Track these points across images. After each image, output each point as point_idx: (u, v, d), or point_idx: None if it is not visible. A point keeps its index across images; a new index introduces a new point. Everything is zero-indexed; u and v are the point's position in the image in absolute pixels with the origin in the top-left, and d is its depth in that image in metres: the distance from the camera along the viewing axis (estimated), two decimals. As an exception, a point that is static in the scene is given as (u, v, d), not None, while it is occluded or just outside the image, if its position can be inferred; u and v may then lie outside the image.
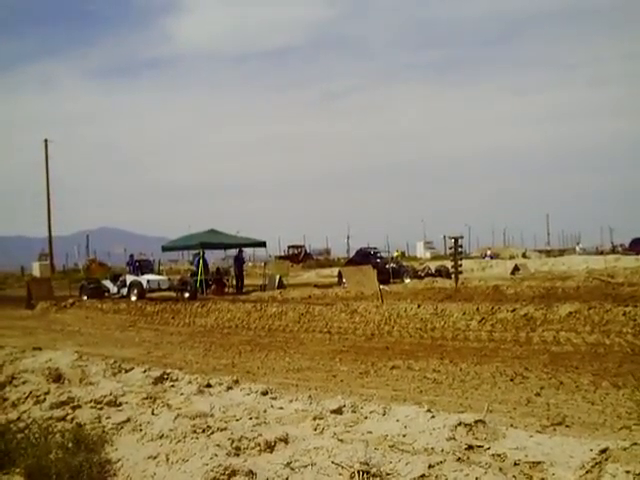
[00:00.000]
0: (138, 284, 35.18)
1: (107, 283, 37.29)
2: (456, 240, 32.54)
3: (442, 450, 4.93)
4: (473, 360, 14.26)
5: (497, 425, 5.55)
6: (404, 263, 48.29)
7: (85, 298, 35.37)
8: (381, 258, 47.12)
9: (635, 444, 4.45)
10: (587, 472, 4.26)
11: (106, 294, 36.20)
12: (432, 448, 4.99)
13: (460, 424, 5.35)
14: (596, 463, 4.31)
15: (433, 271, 43.80)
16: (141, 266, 37.26)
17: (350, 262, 48.62)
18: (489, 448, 4.93)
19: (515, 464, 4.60)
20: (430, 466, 4.52)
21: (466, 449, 4.91)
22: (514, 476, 4.37)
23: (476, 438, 5.19)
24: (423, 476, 4.44)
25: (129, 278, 36.12)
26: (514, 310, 18.89)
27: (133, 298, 34.05)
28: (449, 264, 34.47)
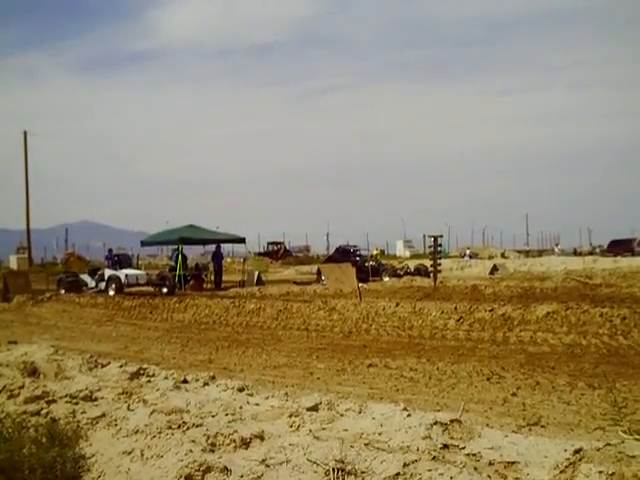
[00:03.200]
0: (116, 279, 34.98)
1: (85, 277, 37.08)
2: (435, 239, 32.59)
3: (417, 449, 4.93)
4: (450, 359, 14.30)
5: (473, 425, 5.56)
6: (383, 261, 48.13)
7: (63, 292, 35.19)
8: (360, 256, 47.50)
9: (608, 444, 4.46)
10: (561, 472, 4.27)
11: (84, 288, 36.07)
12: (408, 447, 4.99)
13: (436, 423, 5.36)
14: (570, 463, 4.32)
15: (412, 270, 43.94)
16: (120, 260, 36.91)
17: (329, 259, 48.87)
18: (464, 447, 4.94)
19: (490, 464, 4.61)
20: (405, 465, 4.52)
21: (441, 448, 4.91)
22: (489, 476, 4.37)
23: (452, 437, 5.20)
24: (398, 474, 4.44)
25: (107, 272, 35.86)
26: (492, 310, 18.97)
27: (111, 293, 33.90)
28: (428, 263, 34.50)
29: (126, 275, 35.27)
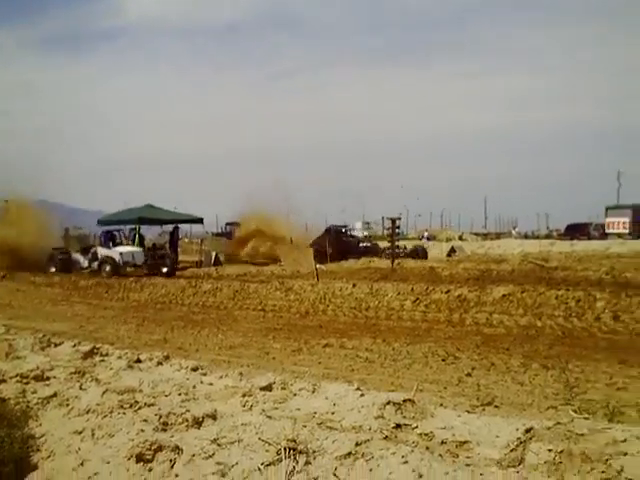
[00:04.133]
0: (110, 259, 32.61)
1: (78, 256, 34.95)
2: (393, 221, 32.71)
3: (370, 428, 4.92)
4: (406, 340, 14.37)
5: (426, 404, 5.55)
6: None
7: (53, 270, 33.71)
8: (352, 237, 46.25)
9: (558, 423, 4.48)
10: (512, 451, 4.28)
11: (78, 267, 34.22)
12: (360, 426, 4.97)
13: (389, 403, 5.34)
14: (520, 442, 4.33)
15: (409, 251, 42.42)
16: (113, 237, 34.57)
17: (319, 240, 46.12)
18: (417, 427, 4.93)
19: (442, 443, 4.61)
20: (357, 444, 4.50)
21: (394, 428, 4.90)
22: (440, 455, 4.37)
23: (404, 417, 5.19)
24: (350, 454, 4.42)
25: (101, 251, 33.62)
26: (448, 291, 19.07)
27: (105, 275, 31.67)
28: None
29: (120, 254, 32.85)
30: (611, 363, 11.77)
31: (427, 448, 4.50)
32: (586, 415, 5.55)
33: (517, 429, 4.59)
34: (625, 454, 3.90)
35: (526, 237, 73.11)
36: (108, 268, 32.25)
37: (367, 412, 5.25)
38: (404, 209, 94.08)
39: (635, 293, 17.08)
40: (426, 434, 4.78)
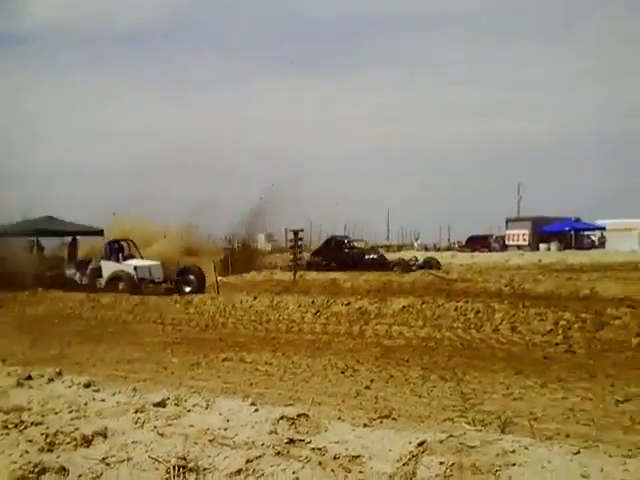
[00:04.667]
0: (126, 275, 27.18)
1: (70, 272, 29.80)
2: (296, 233, 32.78)
3: (263, 444, 4.85)
4: (306, 353, 14.37)
5: (320, 419, 5.51)
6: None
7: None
8: (354, 247, 42.91)
9: (451, 436, 4.49)
10: (404, 464, 4.27)
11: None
12: (253, 442, 4.90)
13: (283, 418, 5.29)
14: (413, 456, 4.32)
15: (421, 263, 39.33)
16: (121, 248, 29.58)
17: (319, 252, 42.81)
18: (310, 442, 4.88)
19: (335, 458, 4.57)
20: (248, 460, 4.44)
21: (287, 443, 4.84)
22: (332, 470, 4.33)
23: (298, 432, 5.14)
24: (240, 471, 4.35)
25: (107, 266, 28.17)
26: (349, 303, 19.14)
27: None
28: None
29: (135, 268, 27.57)
30: (508, 374, 11.95)
31: (319, 463, 4.45)
32: (480, 427, 5.59)
33: (410, 442, 4.58)
34: (514, 464, 3.93)
35: (426, 249, 74.07)
36: (122, 286, 26.70)
37: (260, 427, 5.18)
38: (308, 221, 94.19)
39: (532, 304, 17.42)
40: (319, 449, 4.73)
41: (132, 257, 29.19)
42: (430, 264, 38.75)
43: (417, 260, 40.05)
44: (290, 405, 7.55)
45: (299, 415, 5.38)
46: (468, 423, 5.60)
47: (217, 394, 8.51)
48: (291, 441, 4.91)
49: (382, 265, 37.92)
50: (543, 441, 4.78)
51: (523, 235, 65.73)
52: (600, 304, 17.47)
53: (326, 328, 17.77)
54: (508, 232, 67.23)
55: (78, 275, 29.23)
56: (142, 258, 29.71)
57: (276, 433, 5.07)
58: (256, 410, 5.71)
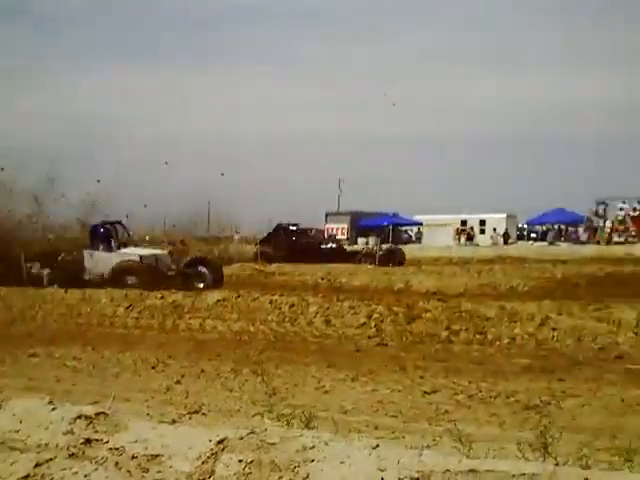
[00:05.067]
0: (139, 266, 22.64)
1: (36, 268, 23.90)
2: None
3: (57, 445, 4.64)
4: (116, 347, 14.07)
5: (120, 417, 5.34)
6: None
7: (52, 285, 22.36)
8: (309, 236, 40.07)
9: (252, 432, 4.42)
10: (203, 463, 4.18)
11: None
12: (46, 444, 4.68)
13: (80, 416, 5.08)
14: (212, 454, 4.24)
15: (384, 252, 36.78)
16: (112, 233, 24.59)
17: (266, 241, 39.80)
18: (108, 441, 4.71)
19: (133, 457, 4.42)
20: (37, 464, 4.23)
21: (82, 443, 4.65)
22: (129, 470, 4.19)
23: (96, 431, 4.94)
24: (27, 476, 4.14)
25: (100, 256, 23.56)
26: (162, 297, 18.88)
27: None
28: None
29: (141, 257, 23.40)
30: (320, 367, 12.06)
31: (116, 464, 4.30)
32: (285, 422, 5.57)
33: (210, 440, 4.49)
34: (312, 460, 3.90)
35: (247, 242, 74.21)
36: (133, 279, 22.11)
37: (55, 428, 4.95)
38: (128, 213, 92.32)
39: (347, 297, 17.72)
40: (117, 449, 4.57)
41: (127, 245, 24.87)
42: (394, 253, 37.34)
43: (381, 249, 37.46)
44: (96, 402, 7.30)
45: (98, 414, 5.19)
46: (272, 419, 5.56)
47: (19, 392, 8.17)
48: (87, 441, 4.72)
49: (343, 255, 35.65)
50: (345, 436, 4.77)
51: (342, 229, 66.68)
52: (413, 298, 17.97)
53: (139, 322, 17.49)
54: (327, 226, 67.85)
55: (43, 271, 23.94)
56: (137, 246, 25.80)
57: (72, 433, 4.86)
58: (53, 409, 5.46)
